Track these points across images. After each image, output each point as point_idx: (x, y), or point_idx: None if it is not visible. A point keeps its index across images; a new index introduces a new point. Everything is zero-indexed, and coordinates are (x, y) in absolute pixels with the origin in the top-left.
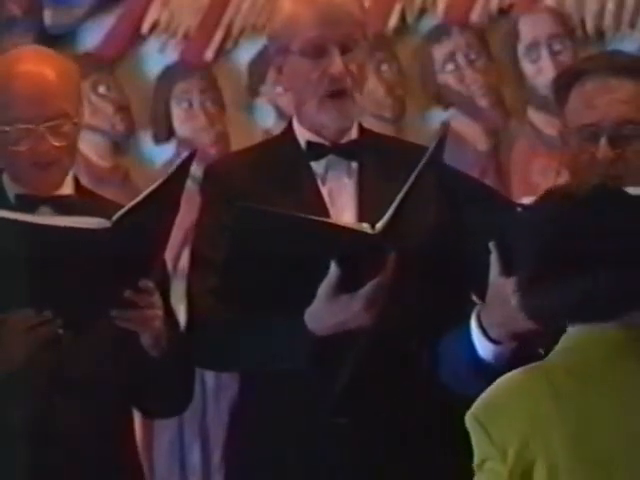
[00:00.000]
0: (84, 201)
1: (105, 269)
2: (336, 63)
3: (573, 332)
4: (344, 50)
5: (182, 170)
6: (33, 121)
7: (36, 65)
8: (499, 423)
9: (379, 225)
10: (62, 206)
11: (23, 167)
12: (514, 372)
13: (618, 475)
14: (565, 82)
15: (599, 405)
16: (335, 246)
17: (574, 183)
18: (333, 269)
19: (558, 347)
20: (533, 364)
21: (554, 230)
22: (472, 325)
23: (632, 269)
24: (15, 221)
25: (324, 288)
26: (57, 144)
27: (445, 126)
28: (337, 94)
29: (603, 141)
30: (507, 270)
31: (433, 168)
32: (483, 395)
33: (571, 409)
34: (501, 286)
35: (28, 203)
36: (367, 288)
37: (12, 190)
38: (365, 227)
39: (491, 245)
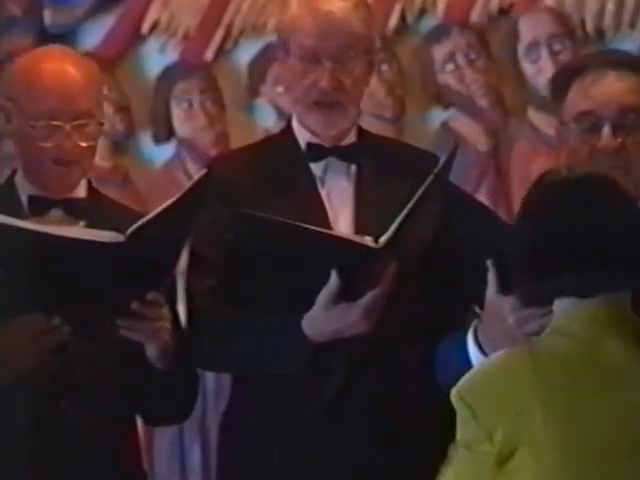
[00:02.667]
0: (95, 205)
1: (117, 281)
2: (326, 77)
3: (560, 314)
4: (338, 62)
5: (198, 186)
6: (61, 118)
7: (63, 64)
8: (485, 404)
9: (382, 239)
10: (74, 209)
11: (44, 164)
12: (500, 354)
13: (604, 456)
14: (564, 79)
15: (583, 388)
16: (336, 257)
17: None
18: (333, 278)
19: (546, 330)
20: (518, 347)
21: (543, 220)
22: (469, 340)
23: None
24: (29, 230)
25: (323, 296)
26: (82, 144)
27: (455, 143)
28: (325, 104)
29: (606, 129)
30: (504, 288)
31: (439, 183)
32: (468, 374)
33: (555, 391)
34: (498, 304)
35: (40, 205)
36: (366, 298)
37: (25, 191)
38: (368, 240)
39: (489, 263)
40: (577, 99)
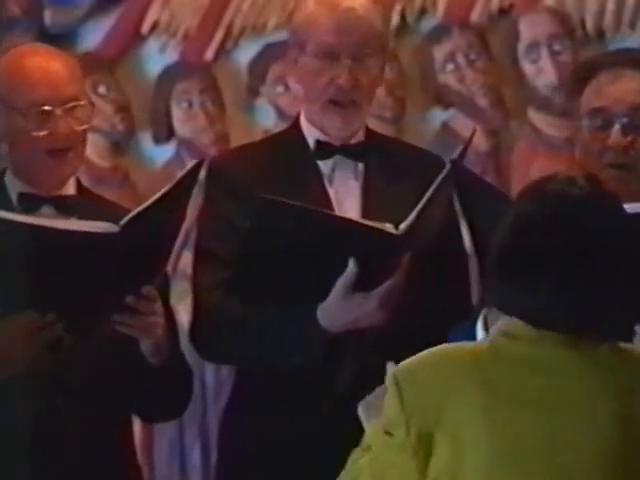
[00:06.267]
0: (86, 202)
1: (110, 274)
2: (345, 74)
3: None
4: (357, 60)
5: (189, 177)
6: (50, 103)
7: (45, 57)
8: (414, 389)
9: (403, 226)
10: (64, 206)
11: (38, 156)
12: (445, 345)
13: (528, 454)
14: (580, 77)
15: (519, 386)
16: (356, 243)
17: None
18: (351, 266)
19: (495, 328)
20: (465, 342)
21: (530, 228)
22: (478, 329)
23: (599, 288)
24: (21, 223)
25: (340, 284)
26: (76, 128)
27: (471, 133)
28: (342, 103)
29: (617, 127)
30: None
31: (452, 171)
32: (410, 359)
33: (489, 386)
34: None
35: (31, 202)
36: (382, 288)
37: (15, 189)
38: (389, 227)
39: None
40: (591, 96)
